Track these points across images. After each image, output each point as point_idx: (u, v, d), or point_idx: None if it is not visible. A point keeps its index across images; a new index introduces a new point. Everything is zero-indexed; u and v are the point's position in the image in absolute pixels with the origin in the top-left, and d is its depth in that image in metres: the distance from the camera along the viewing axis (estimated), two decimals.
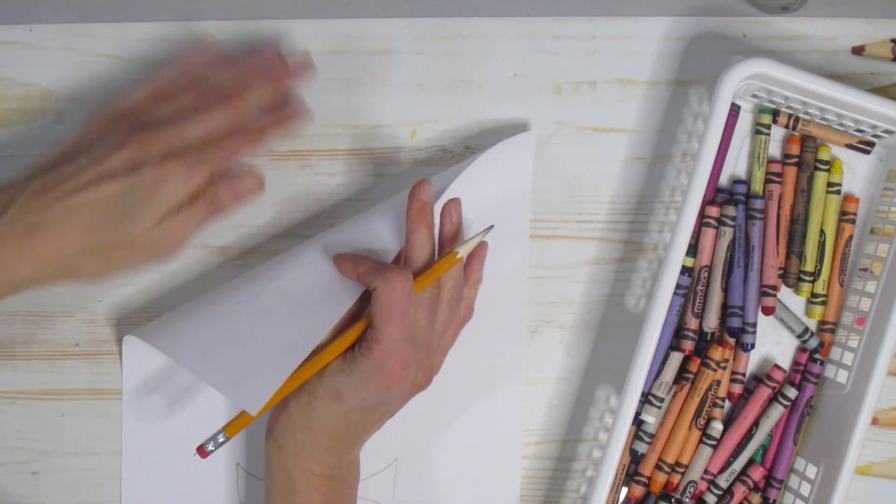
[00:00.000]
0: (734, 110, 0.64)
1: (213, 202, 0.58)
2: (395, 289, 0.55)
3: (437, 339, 0.59)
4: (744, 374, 0.65)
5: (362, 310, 0.61)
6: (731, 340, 0.64)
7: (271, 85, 0.61)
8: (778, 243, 0.65)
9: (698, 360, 0.64)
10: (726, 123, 0.59)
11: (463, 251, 0.58)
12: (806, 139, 0.65)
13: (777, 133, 0.66)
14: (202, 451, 0.57)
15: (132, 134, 0.56)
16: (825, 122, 0.64)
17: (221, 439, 0.57)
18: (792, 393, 0.65)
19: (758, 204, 0.64)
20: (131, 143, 0.56)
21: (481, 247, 0.62)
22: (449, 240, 0.60)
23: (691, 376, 0.64)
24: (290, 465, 0.58)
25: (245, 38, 0.65)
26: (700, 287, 0.64)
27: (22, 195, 0.55)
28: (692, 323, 0.64)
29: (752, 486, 0.65)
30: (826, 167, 0.65)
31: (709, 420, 0.65)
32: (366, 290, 0.57)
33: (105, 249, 0.56)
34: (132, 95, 0.60)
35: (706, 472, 0.64)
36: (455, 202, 0.60)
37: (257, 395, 0.56)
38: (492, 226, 0.59)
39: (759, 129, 0.65)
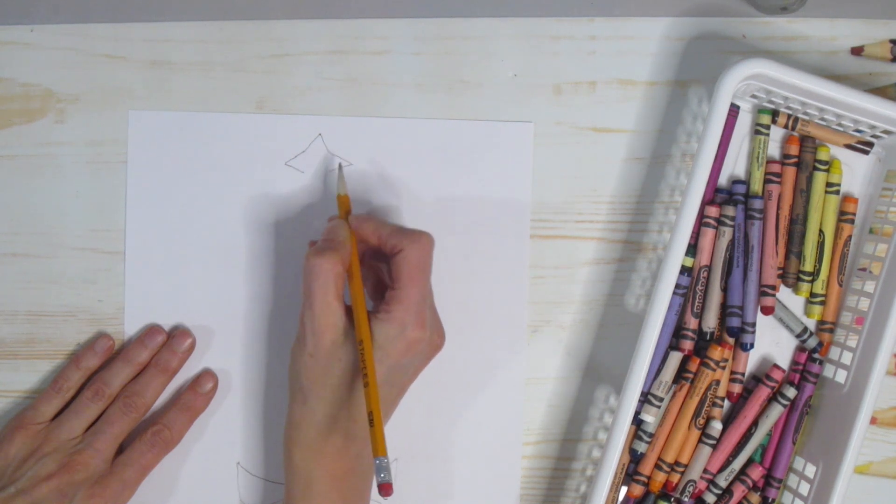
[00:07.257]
0: (733, 110, 0.64)
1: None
2: (424, 248, 0.56)
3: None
4: (743, 374, 0.65)
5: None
6: (731, 340, 0.65)
7: (165, 375, 0.64)
8: (777, 243, 0.65)
9: (698, 360, 0.64)
10: (726, 124, 0.59)
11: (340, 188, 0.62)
12: (805, 139, 0.65)
13: (776, 133, 0.66)
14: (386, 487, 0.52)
15: (54, 458, 0.61)
16: (824, 123, 0.64)
17: (386, 462, 0.52)
18: (791, 392, 0.65)
19: (757, 204, 0.64)
20: (59, 473, 0.60)
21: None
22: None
23: (691, 376, 0.64)
24: (311, 467, 0.57)
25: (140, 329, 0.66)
26: (699, 287, 0.64)
27: None
28: (691, 323, 0.64)
29: (751, 485, 0.65)
30: (825, 167, 0.65)
31: (708, 419, 0.65)
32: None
33: None
34: (41, 407, 0.63)
35: (705, 471, 0.65)
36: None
37: None
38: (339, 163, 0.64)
39: (758, 130, 0.65)
